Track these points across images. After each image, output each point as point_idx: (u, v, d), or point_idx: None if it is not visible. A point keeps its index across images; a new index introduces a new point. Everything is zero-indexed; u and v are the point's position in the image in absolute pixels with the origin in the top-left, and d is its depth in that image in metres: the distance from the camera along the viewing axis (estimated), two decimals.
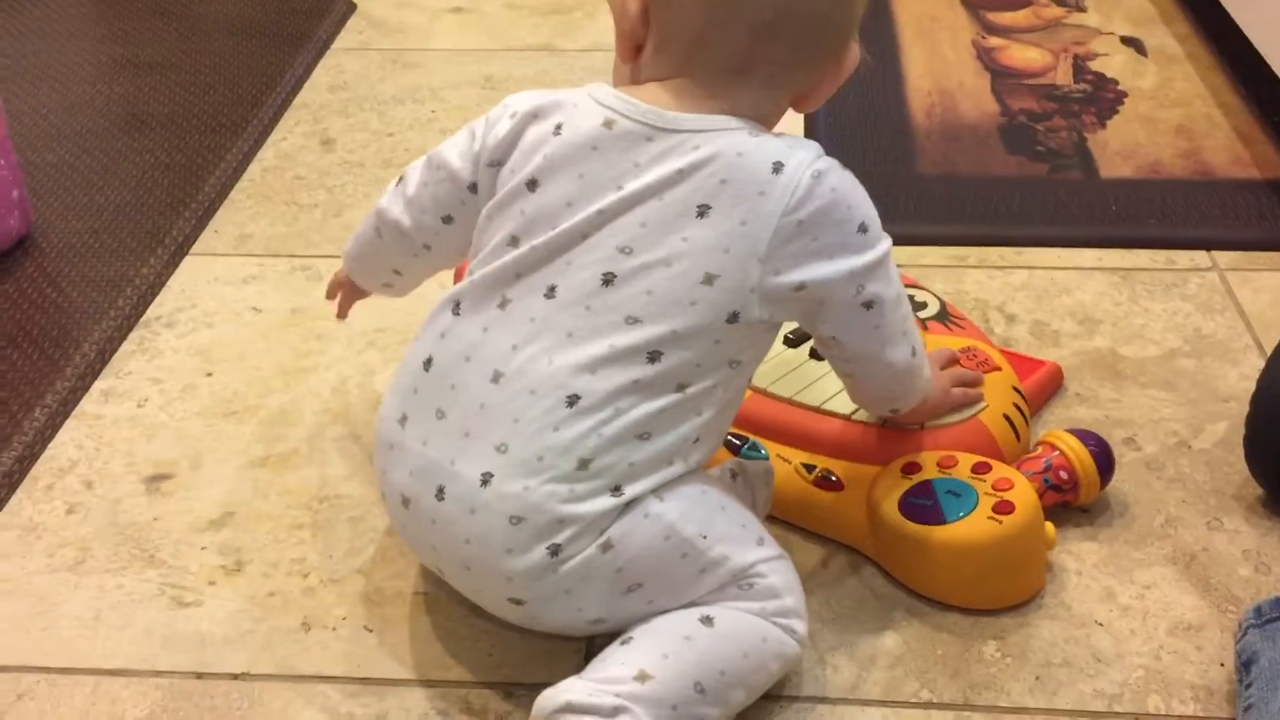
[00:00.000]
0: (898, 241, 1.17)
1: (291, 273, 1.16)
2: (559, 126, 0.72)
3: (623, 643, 0.69)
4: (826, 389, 0.89)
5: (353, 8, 1.68)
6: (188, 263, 1.17)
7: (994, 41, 1.55)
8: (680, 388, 0.69)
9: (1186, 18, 1.58)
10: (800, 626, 0.73)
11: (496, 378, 0.69)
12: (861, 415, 0.87)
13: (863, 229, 0.71)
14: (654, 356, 0.68)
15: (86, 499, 0.91)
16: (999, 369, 0.91)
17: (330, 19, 1.63)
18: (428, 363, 0.72)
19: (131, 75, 1.51)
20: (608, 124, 0.71)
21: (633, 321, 0.68)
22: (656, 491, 0.70)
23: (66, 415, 0.99)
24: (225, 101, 1.44)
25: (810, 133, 1.35)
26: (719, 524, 0.72)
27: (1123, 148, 1.31)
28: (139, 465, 0.94)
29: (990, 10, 1.62)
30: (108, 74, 1.53)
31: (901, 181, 1.27)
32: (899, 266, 1.07)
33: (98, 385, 1.02)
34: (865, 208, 0.71)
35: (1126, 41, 1.54)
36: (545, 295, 0.70)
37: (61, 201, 1.26)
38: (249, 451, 0.95)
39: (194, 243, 1.20)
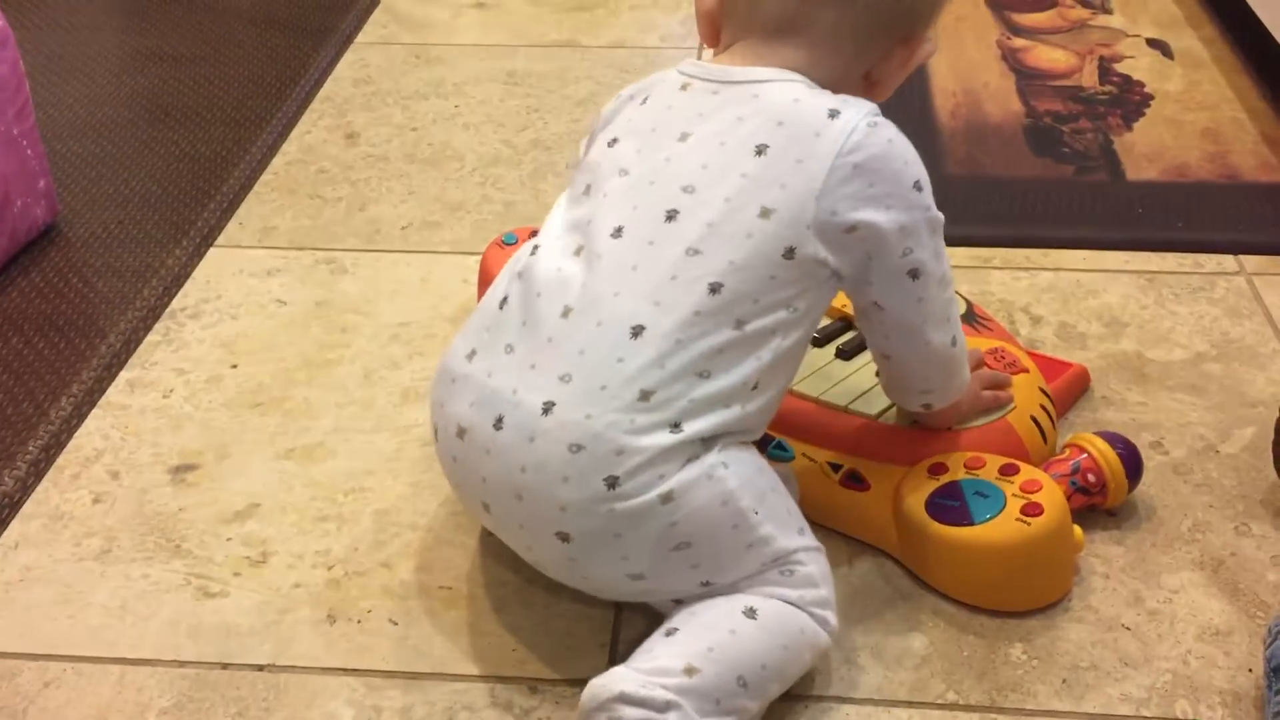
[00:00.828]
0: None
1: (315, 266, 1.16)
2: (646, 99, 0.78)
3: (668, 634, 0.70)
4: (853, 388, 0.89)
5: (376, 2, 1.68)
6: (212, 254, 1.18)
7: (1019, 43, 1.54)
8: (739, 324, 0.70)
9: (1213, 20, 1.57)
10: (833, 619, 0.73)
11: (566, 312, 0.71)
12: (889, 416, 0.87)
13: (918, 187, 0.73)
14: (714, 288, 0.70)
15: (112, 489, 0.91)
16: (1026, 371, 0.91)
17: (354, 13, 1.63)
18: (503, 302, 0.75)
19: (157, 67, 1.52)
20: (684, 87, 0.76)
21: (693, 253, 0.70)
22: (723, 456, 0.70)
23: (92, 405, 0.99)
24: (250, 94, 1.45)
25: None
26: (770, 503, 0.73)
27: (1149, 150, 1.31)
28: (165, 455, 0.94)
29: (1015, 11, 1.62)
30: (133, 66, 1.54)
31: None
32: None
33: (123, 375, 1.02)
34: (919, 169, 0.73)
35: (1152, 44, 1.54)
36: (612, 235, 0.72)
37: (87, 192, 1.27)
38: (274, 443, 0.95)
39: (218, 234, 1.20)
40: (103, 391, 1.00)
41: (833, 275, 0.73)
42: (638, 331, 0.69)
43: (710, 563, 0.71)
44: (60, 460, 0.94)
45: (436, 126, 1.38)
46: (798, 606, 0.72)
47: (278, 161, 1.32)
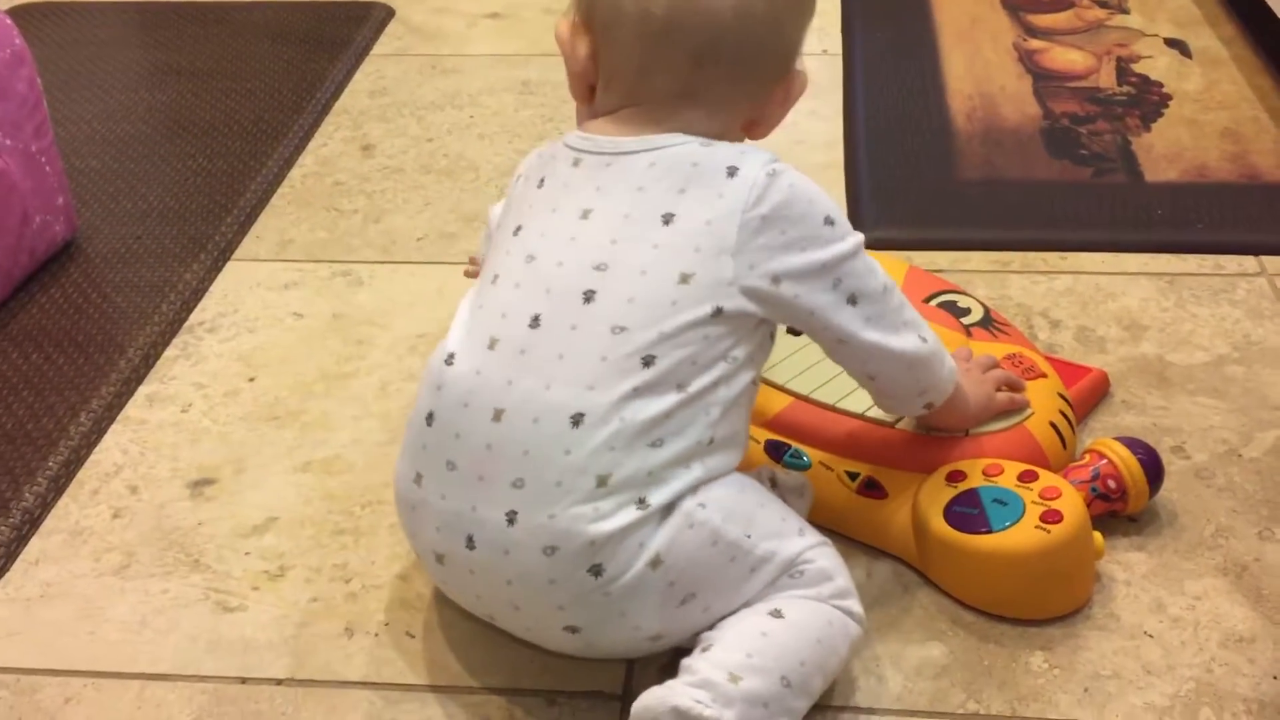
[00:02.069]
0: (939, 246, 1.18)
1: (332, 278, 1.16)
2: (542, 180, 0.76)
3: (704, 649, 0.69)
4: (875, 403, 0.88)
5: (391, 13, 1.68)
6: (230, 268, 1.18)
7: (1035, 44, 1.53)
8: (680, 387, 0.69)
9: (1232, 19, 1.56)
10: (857, 606, 0.73)
11: (498, 415, 0.70)
12: (906, 422, 0.86)
13: (829, 222, 0.73)
14: (648, 360, 0.69)
15: (131, 504, 0.91)
16: (1044, 376, 0.90)
17: (369, 25, 1.64)
18: (429, 417, 0.73)
19: (173, 82, 1.53)
20: (576, 163, 0.75)
21: (619, 330, 0.69)
22: (697, 499, 0.70)
23: (111, 420, 0.99)
24: (266, 107, 1.45)
25: (849, 137, 1.34)
26: (761, 521, 0.72)
27: (1168, 151, 1.30)
28: (183, 470, 0.94)
29: (1031, 12, 1.61)
30: (150, 81, 1.54)
31: (943, 186, 1.26)
32: (940, 271, 1.09)
33: (142, 390, 1.03)
34: (826, 203, 0.73)
35: (1170, 44, 1.52)
36: (530, 326, 0.71)
37: (105, 207, 1.28)
38: (292, 457, 0.95)
39: (236, 248, 1.21)
40: (122, 406, 1.01)
41: (764, 323, 0.73)
42: (578, 420, 0.68)
43: (720, 600, 0.71)
44: (80, 475, 0.94)
45: (452, 137, 1.39)
46: (819, 601, 0.72)
47: (294, 174, 1.33)
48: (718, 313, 0.70)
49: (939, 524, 0.79)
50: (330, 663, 0.78)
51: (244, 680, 0.77)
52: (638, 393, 0.69)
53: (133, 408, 1.01)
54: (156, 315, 1.11)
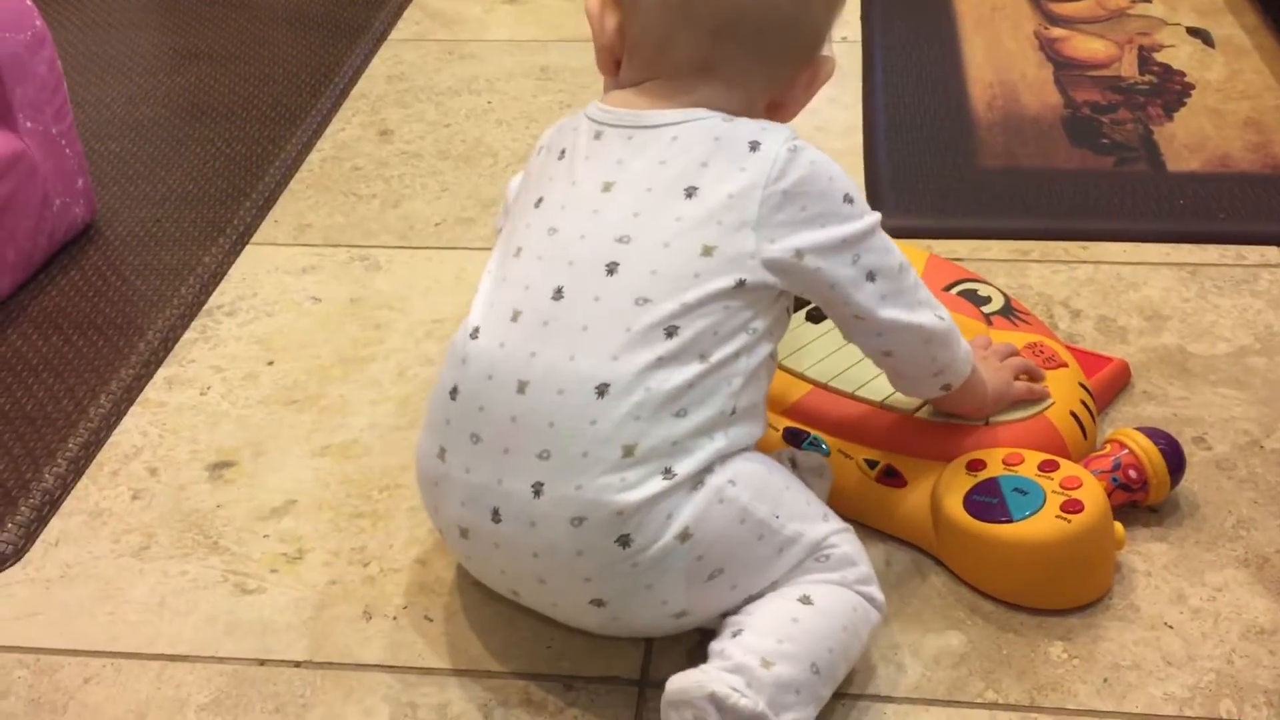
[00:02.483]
0: (959, 235, 1.18)
1: (350, 262, 1.16)
2: (563, 151, 0.76)
3: (735, 634, 0.69)
4: (889, 383, 0.88)
5: None
6: (248, 252, 1.18)
7: (1057, 32, 1.52)
8: (703, 357, 0.70)
9: (1254, 8, 1.55)
10: (877, 592, 0.74)
11: (522, 388, 0.70)
12: (926, 410, 0.86)
13: (848, 199, 0.73)
14: (671, 331, 0.69)
15: (151, 485, 0.92)
16: (1065, 365, 0.90)
17: (387, 10, 1.64)
18: (453, 391, 0.73)
19: (193, 66, 1.53)
20: (597, 135, 0.75)
21: (643, 302, 0.70)
22: (727, 474, 0.70)
23: (131, 402, 1.00)
24: (284, 92, 1.45)
25: (869, 125, 1.33)
26: (788, 502, 0.72)
27: (1190, 141, 1.29)
28: (202, 453, 0.95)
29: (1053, 0, 1.60)
30: (169, 65, 1.55)
31: (963, 174, 1.25)
32: (960, 260, 1.08)
33: (161, 373, 1.03)
34: (846, 181, 0.74)
35: (1193, 32, 1.51)
36: (553, 298, 0.71)
37: (125, 191, 1.28)
38: (310, 440, 0.95)
39: (254, 232, 1.21)
40: (141, 389, 1.01)
41: (783, 294, 0.73)
42: (603, 390, 0.68)
43: (747, 578, 0.71)
44: (100, 457, 0.94)
45: (470, 122, 1.39)
46: (844, 587, 0.72)
47: (313, 159, 1.33)
48: (740, 284, 0.70)
49: (958, 513, 0.78)
50: (348, 645, 0.78)
51: (262, 662, 0.78)
52: (661, 363, 0.69)
53: (152, 390, 1.01)
54: (175, 298, 1.11)
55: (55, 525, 0.89)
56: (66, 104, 1.17)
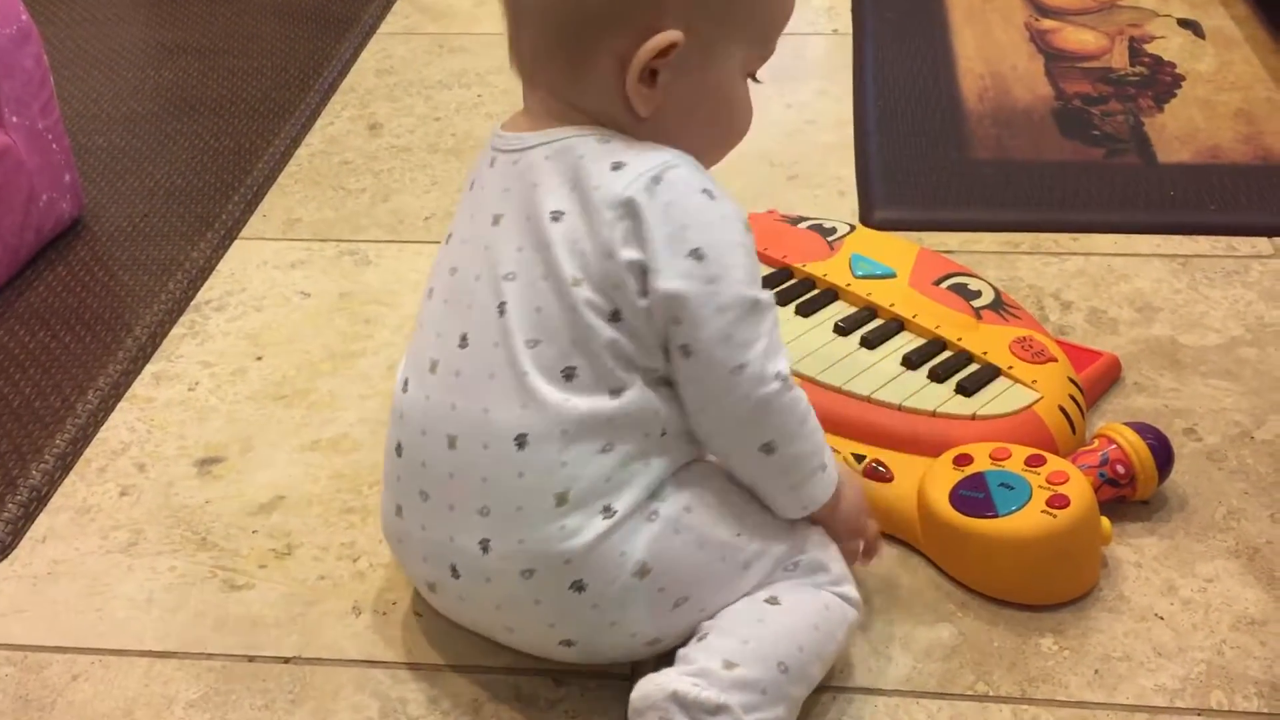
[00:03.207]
0: (949, 227, 1.18)
1: (339, 257, 1.16)
2: (472, 183, 0.73)
3: (700, 639, 0.69)
4: (877, 378, 0.88)
5: None
6: (237, 246, 1.18)
7: (1047, 24, 1.52)
8: (614, 392, 0.66)
9: None
10: (853, 591, 0.73)
11: (452, 443, 0.68)
12: (913, 404, 0.86)
13: (696, 255, 0.65)
14: (569, 373, 0.66)
15: (139, 481, 0.91)
16: (1055, 360, 0.90)
17: (377, 3, 1.63)
18: (398, 448, 0.72)
19: (180, 60, 1.52)
20: (491, 163, 0.72)
21: (533, 344, 0.67)
22: (682, 502, 0.68)
23: (119, 398, 0.99)
24: (273, 86, 1.45)
25: (859, 117, 1.33)
26: (751, 517, 0.71)
27: (1181, 132, 1.29)
28: (190, 448, 0.94)
29: None
30: (157, 59, 1.54)
31: (953, 166, 1.25)
32: (950, 253, 1.08)
33: (149, 368, 1.03)
34: (710, 234, 0.66)
35: (1183, 24, 1.51)
36: (460, 346, 0.69)
37: (112, 185, 1.27)
38: (299, 435, 0.95)
39: (243, 227, 1.20)
40: (129, 385, 1.01)
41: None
42: (521, 441, 0.66)
43: (715, 598, 0.70)
44: (87, 453, 0.94)
45: (459, 116, 1.38)
46: (815, 588, 0.71)
47: (301, 153, 1.32)
48: (615, 316, 0.66)
49: (944, 507, 0.78)
50: (338, 641, 0.78)
51: (251, 658, 0.77)
52: (571, 404, 0.66)
53: (140, 386, 1.01)
54: (163, 294, 1.11)
55: (43, 522, 0.88)
56: (53, 99, 1.16)
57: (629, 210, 0.66)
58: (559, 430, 0.66)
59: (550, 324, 0.66)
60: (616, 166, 0.67)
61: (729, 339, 0.66)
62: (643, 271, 0.66)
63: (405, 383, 0.72)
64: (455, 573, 0.70)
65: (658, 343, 0.67)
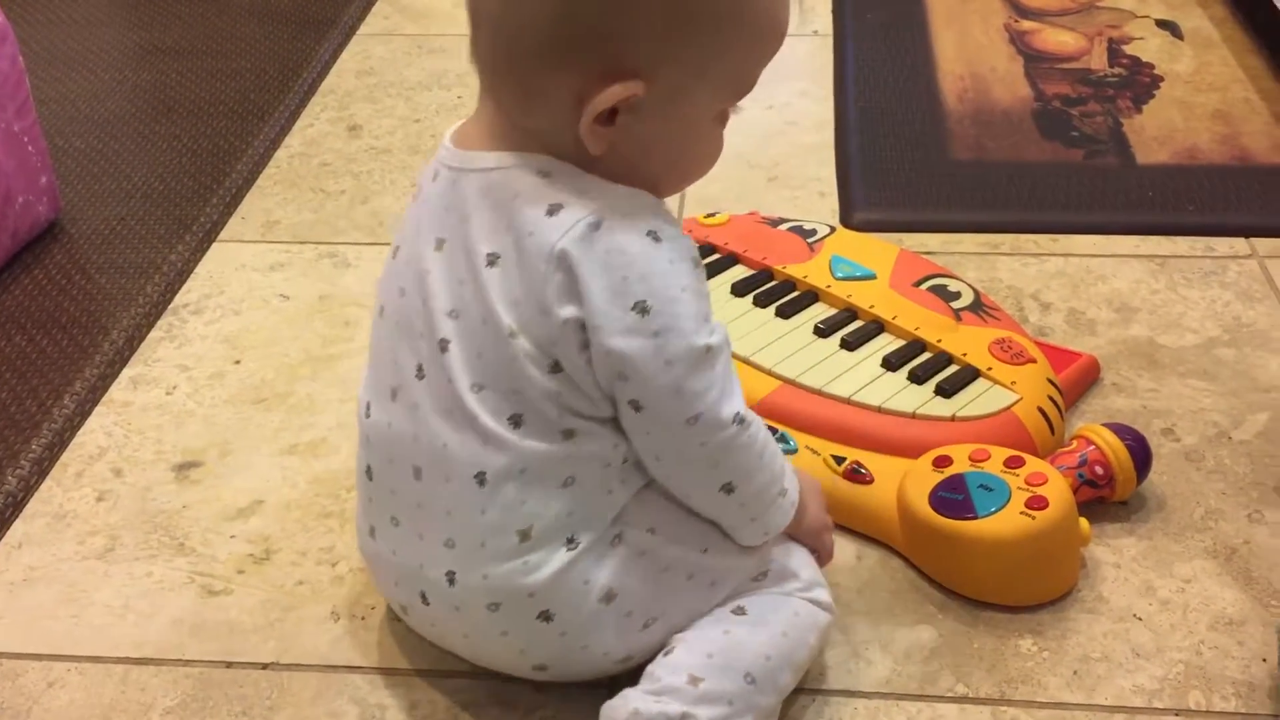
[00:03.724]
0: (930, 228, 1.18)
1: (319, 259, 1.15)
2: (418, 193, 0.69)
3: (666, 653, 0.68)
4: (857, 380, 0.88)
5: None
6: (215, 249, 1.17)
7: (1027, 25, 1.52)
8: (566, 434, 0.64)
9: (1222, 0, 1.55)
10: (824, 595, 0.72)
11: (418, 473, 0.67)
12: (893, 405, 0.86)
13: (640, 310, 0.61)
14: (516, 420, 0.64)
15: (116, 486, 0.91)
16: (1034, 361, 0.90)
17: (356, 4, 1.62)
18: (368, 471, 0.71)
19: (158, 61, 1.51)
20: (435, 177, 0.67)
21: (478, 389, 0.64)
22: (646, 524, 0.68)
23: (95, 402, 0.99)
24: (252, 87, 1.44)
25: (840, 118, 1.33)
26: (716, 532, 0.70)
27: (1159, 133, 1.29)
28: (168, 453, 0.94)
29: None
30: (134, 60, 1.53)
31: (933, 167, 1.25)
32: (930, 254, 1.09)
33: (126, 372, 1.02)
34: (651, 285, 0.61)
35: (1162, 25, 1.52)
36: (417, 376, 0.66)
37: (89, 188, 1.26)
38: (277, 439, 0.94)
39: (221, 229, 1.20)
40: (106, 389, 1.00)
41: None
42: (481, 479, 0.64)
43: (685, 615, 0.69)
44: (64, 458, 0.93)
45: (440, 118, 1.38)
46: (784, 595, 0.71)
47: (280, 155, 1.32)
48: (556, 368, 0.63)
49: (924, 509, 0.78)
50: (316, 647, 0.78)
51: (229, 665, 0.77)
52: (523, 444, 0.64)
53: (117, 390, 1.00)
54: (141, 297, 1.10)
55: (18, 528, 0.87)
56: (29, 100, 1.15)
57: (563, 264, 0.61)
58: (517, 469, 0.64)
59: (492, 370, 0.64)
60: (553, 210, 0.62)
61: (679, 392, 0.62)
62: (581, 327, 0.62)
63: (368, 407, 0.70)
64: (425, 599, 0.69)
65: (604, 395, 0.64)
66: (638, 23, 0.60)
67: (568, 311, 0.62)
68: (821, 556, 0.75)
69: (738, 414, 0.64)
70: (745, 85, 0.65)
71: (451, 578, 0.67)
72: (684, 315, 0.62)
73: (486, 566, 0.66)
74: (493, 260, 0.63)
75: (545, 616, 0.67)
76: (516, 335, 0.63)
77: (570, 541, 0.66)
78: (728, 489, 0.66)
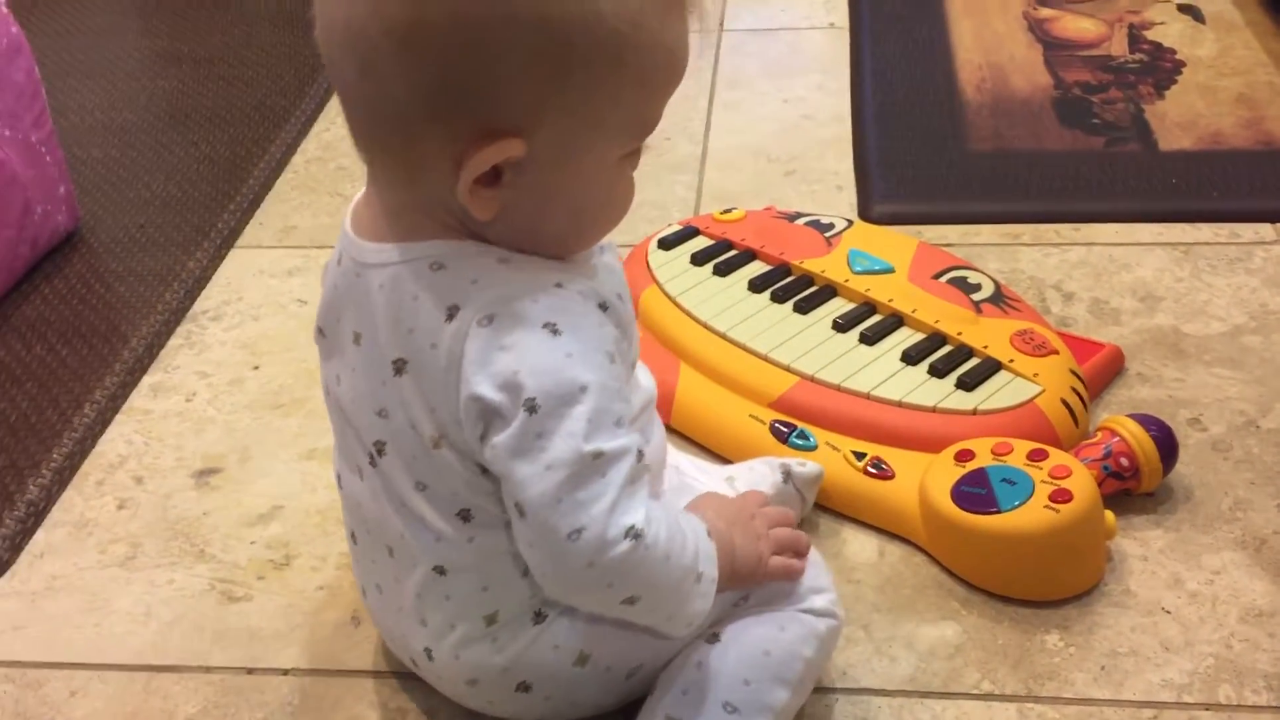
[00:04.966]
0: (949, 219, 1.17)
1: None
2: (327, 275, 0.65)
3: (648, 697, 0.67)
4: (877, 374, 0.87)
5: None
6: (233, 255, 1.17)
7: (1045, 12, 1.51)
8: (509, 525, 0.62)
9: None
10: (822, 601, 0.69)
11: (391, 552, 0.66)
12: (913, 400, 0.85)
13: (530, 408, 0.57)
14: (465, 514, 0.62)
15: (137, 494, 0.91)
16: (1056, 352, 0.89)
17: None
18: (354, 536, 0.70)
19: (174, 69, 1.52)
20: (339, 261, 0.64)
21: (422, 488, 0.62)
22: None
23: (116, 410, 0.99)
24: (268, 93, 1.44)
25: (857, 111, 1.32)
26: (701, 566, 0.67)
27: (1182, 119, 1.28)
28: (188, 460, 0.94)
29: None
30: (151, 68, 1.53)
31: (952, 157, 1.24)
32: (950, 245, 1.07)
33: (146, 380, 1.02)
34: (545, 380, 0.57)
35: (1183, 9, 1.50)
36: (370, 464, 0.64)
37: (108, 196, 1.27)
38: (297, 444, 0.94)
39: (239, 235, 1.20)
40: (126, 397, 1.00)
41: None
42: (440, 570, 0.64)
43: (670, 656, 0.67)
44: (85, 467, 0.94)
45: None
46: (773, 612, 0.68)
47: (297, 160, 1.32)
48: (485, 471, 0.61)
49: (946, 504, 0.77)
50: (337, 652, 0.77)
51: (250, 671, 0.77)
52: (479, 541, 0.63)
53: (137, 398, 1.00)
54: (160, 304, 1.10)
55: (40, 537, 0.88)
56: (45, 111, 1.16)
57: (463, 370, 0.58)
58: (473, 561, 0.63)
59: (428, 472, 0.62)
60: (451, 313, 0.58)
61: (559, 501, 0.57)
62: (486, 428, 0.59)
63: (339, 477, 0.69)
64: (415, 664, 0.70)
65: None
66: (506, 78, 0.54)
67: (471, 417, 0.59)
68: (792, 574, 0.69)
69: (634, 527, 0.58)
70: (647, 125, 0.59)
71: (429, 653, 0.67)
72: (573, 417, 0.57)
73: (458, 649, 0.66)
74: (400, 368, 0.60)
75: (524, 687, 0.66)
76: (440, 444, 0.60)
77: (538, 615, 0.65)
78: (630, 601, 0.61)
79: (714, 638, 0.67)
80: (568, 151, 0.57)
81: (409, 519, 0.64)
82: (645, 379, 0.69)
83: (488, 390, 0.57)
